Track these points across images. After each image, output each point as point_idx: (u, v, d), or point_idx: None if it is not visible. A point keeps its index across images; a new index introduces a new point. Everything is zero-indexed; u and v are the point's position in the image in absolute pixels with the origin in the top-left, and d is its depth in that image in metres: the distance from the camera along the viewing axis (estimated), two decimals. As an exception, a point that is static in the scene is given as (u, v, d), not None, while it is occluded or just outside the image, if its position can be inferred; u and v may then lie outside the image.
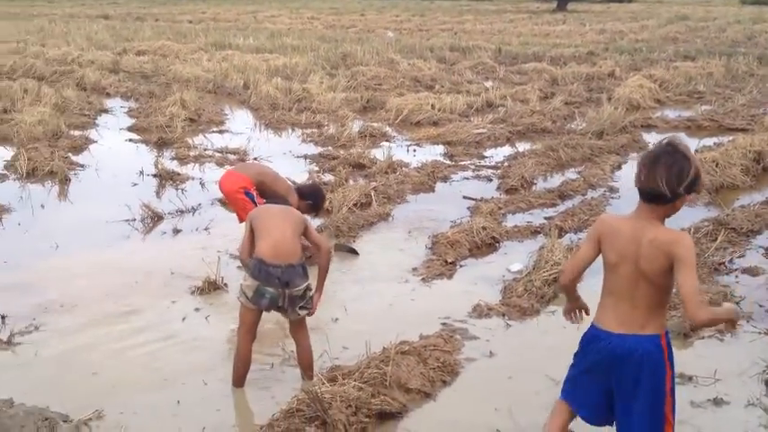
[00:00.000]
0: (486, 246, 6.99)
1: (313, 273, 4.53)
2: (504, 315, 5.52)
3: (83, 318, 5.32)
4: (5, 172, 9.09)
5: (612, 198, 8.52)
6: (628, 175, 9.67)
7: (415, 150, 10.91)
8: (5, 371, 4.54)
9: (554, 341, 5.08)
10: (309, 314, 4.50)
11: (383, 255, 6.79)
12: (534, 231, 7.37)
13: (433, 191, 8.96)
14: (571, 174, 9.66)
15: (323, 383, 4.18)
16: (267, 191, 6.04)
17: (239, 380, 4.46)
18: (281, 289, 4.26)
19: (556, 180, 9.39)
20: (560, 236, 7.07)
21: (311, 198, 6.35)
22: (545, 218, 7.81)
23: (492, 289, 6.03)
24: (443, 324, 5.35)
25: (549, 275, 6.02)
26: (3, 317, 5.23)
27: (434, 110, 13.19)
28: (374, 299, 5.82)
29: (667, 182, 2.88)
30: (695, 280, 2.94)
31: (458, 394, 4.52)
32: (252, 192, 6.14)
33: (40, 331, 5.09)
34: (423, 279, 6.22)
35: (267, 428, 3.89)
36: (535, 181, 9.22)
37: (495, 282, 6.18)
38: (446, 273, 6.35)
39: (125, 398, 4.31)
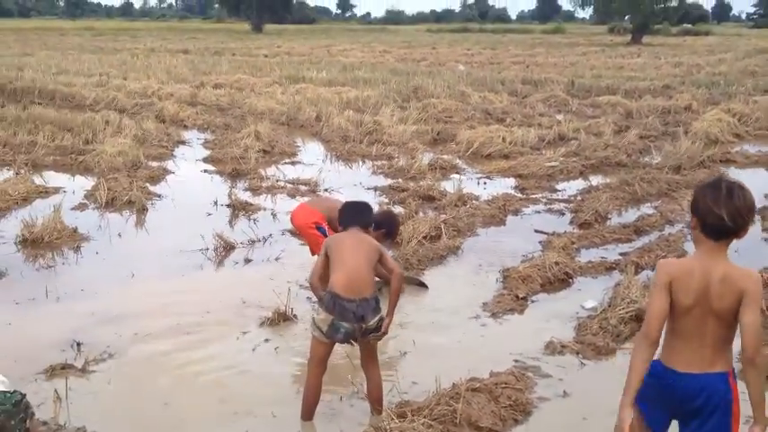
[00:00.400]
0: (559, 281, 6.84)
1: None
2: (578, 353, 5.37)
3: (155, 346, 5.39)
4: (86, 201, 9.33)
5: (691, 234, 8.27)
6: (707, 210, 9.40)
7: (485, 183, 10.84)
8: (79, 398, 4.60)
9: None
10: (378, 338, 4.42)
11: (453, 289, 6.73)
12: (609, 267, 7.20)
13: (504, 224, 8.86)
14: (647, 209, 9.44)
15: (392, 419, 4.12)
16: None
17: (308, 413, 4.43)
18: (357, 324, 4.23)
19: (631, 215, 9.19)
20: (637, 272, 6.89)
21: (385, 226, 6.30)
22: (620, 254, 7.63)
23: (565, 326, 5.88)
24: (515, 361, 5.23)
25: (626, 313, 5.84)
26: (78, 344, 5.32)
27: (505, 143, 13.09)
28: (443, 334, 5.74)
29: (748, 214, 2.93)
30: (759, 317, 2.93)
31: (528, 434, 4.40)
32: (324, 226, 6.17)
33: (113, 359, 5.16)
34: (493, 314, 6.11)
35: (335, 464, 3.85)
36: (609, 216, 9.03)
37: (568, 318, 6.02)
38: (517, 308, 6.23)
39: (195, 429, 4.33)
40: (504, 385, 4.75)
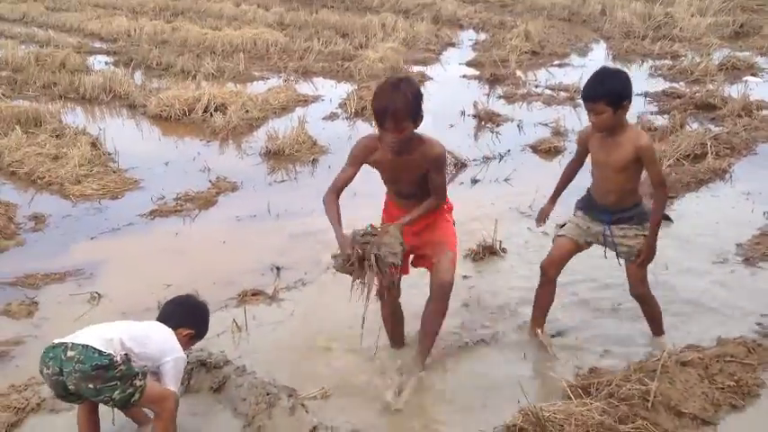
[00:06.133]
0: None
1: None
2: None
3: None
4: (338, 111, 9.28)
5: None
6: None
7: (784, 87, 9.11)
8: (258, 329, 4.50)
9: None
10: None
11: (703, 222, 5.63)
12: None
13: (798, 140, 7.34)
14: None
15: (569, 398, 3.48)
16: None
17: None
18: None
19: None
20: None
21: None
22: None
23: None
24: (758, 324, 4.23)
25: None
26: (278, 269, 5.22)
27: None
28: (678, 281, 4.77)
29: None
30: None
31: (748, 424, 3.48)
32: None
33: (306, 287, 4.99)
34: (746, 260, 5.01)
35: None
36: None
37: None
38: (782, 252, 5.05)
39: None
40: (728, 358, 3.83)
